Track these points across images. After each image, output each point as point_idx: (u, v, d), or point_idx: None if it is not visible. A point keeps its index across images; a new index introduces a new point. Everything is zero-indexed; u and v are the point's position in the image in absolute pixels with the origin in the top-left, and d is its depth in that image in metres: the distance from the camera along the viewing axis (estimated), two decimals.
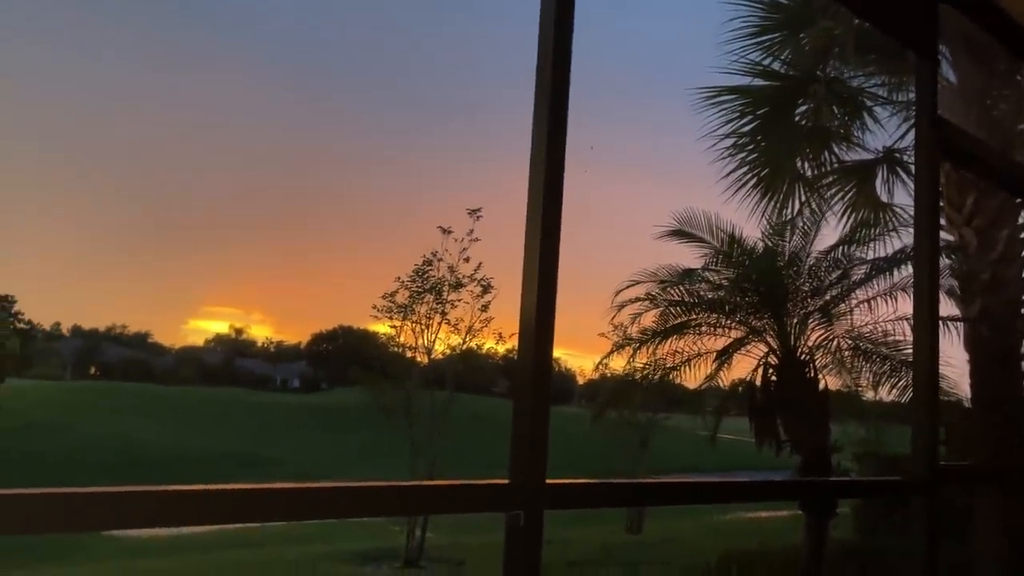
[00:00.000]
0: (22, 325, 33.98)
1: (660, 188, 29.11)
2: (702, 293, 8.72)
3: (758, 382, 8.22)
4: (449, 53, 36.78)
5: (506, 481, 1.62)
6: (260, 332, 46.07)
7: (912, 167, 7.22)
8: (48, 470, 19.95)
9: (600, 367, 9.61)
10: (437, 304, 12.86)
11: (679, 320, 8.46)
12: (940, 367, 2.92)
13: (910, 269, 7.57)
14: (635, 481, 2.73)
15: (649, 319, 8.51)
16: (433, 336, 13.00)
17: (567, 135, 1.76)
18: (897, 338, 8.07)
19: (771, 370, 8.23)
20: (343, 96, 37.16)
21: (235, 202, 37.49)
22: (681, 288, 8.57)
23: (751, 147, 7.53)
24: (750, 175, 7.54)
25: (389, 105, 38.04)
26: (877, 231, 7.92)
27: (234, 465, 22.96)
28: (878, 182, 7.72)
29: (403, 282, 12.94)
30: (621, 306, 8.54)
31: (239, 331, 44.32)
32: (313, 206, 38.13)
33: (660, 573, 10.60)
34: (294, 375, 40.78)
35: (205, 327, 45.09)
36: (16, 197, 32.19)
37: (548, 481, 1.64)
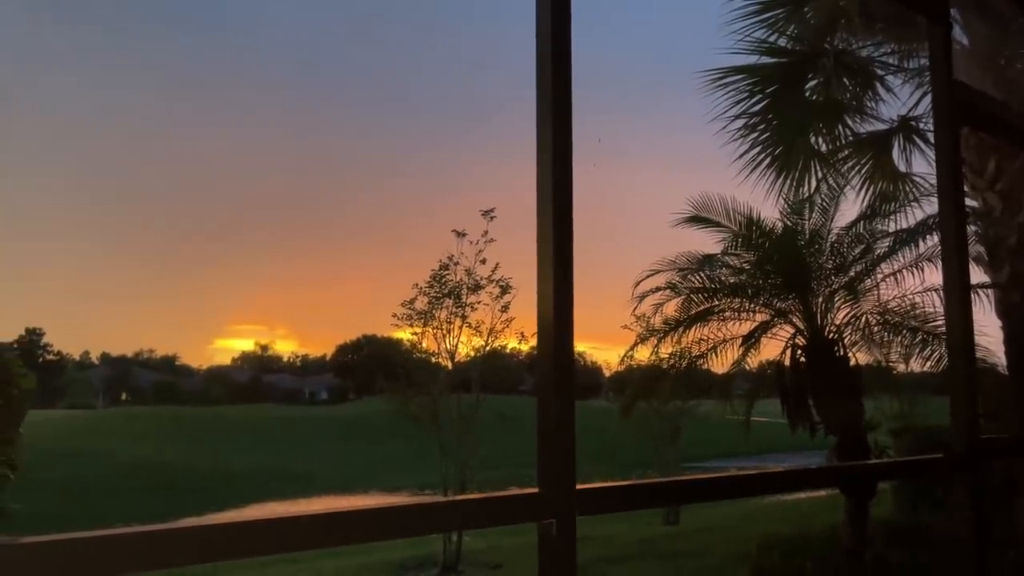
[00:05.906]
0: (52, 356, 34.47)
1: (674, 175, 28.91)
2: (723, 278, 8.61)
3: (787, 364, 8.11)
4: (451, 55, 36.81)
5: (536, 490, 1.57)
6: (285, 347, 46.51)
7: (929, 134, 7.09)
8: (90, 496, 20.21)
9: (626, 359, 9.52)
10: (457, 308, 12.80)
11: (702, 307, 8.36)
12: (974, 336, 2.83)
13: (935, 238, 7.42)
14: (668, 480, 2.65)
15: (672, 308, 8.42)
16: (455, 340, 12.94)
17: (572, 128, 1.71)
18: (926, 310, 7.93)
19: (799, 351, 8.10)
20: (351, 107, 37.31)
21: (251, 219, 37.79)
22: (702, 275, 8.47)
23: (762, 126, 7.43)
24: (764, 155, 7.43)
25: (396, 113, 38.15)
26: (898, 203, 7.78)
27: (268, 480, 23.11)
28: (895, 152, 7.58)
29: (421, 288, 12.90)
30: (642, 296, 8.46)
31: (264, 347, 44.75)
32: (328, 218, 38.37)
33: (699, 563, 10.49)
34: (322, 387, 41.05)
35: (231, 345, 45.61)
36: (38, 230, 32.63)
37: (579, 487, 1.59)
